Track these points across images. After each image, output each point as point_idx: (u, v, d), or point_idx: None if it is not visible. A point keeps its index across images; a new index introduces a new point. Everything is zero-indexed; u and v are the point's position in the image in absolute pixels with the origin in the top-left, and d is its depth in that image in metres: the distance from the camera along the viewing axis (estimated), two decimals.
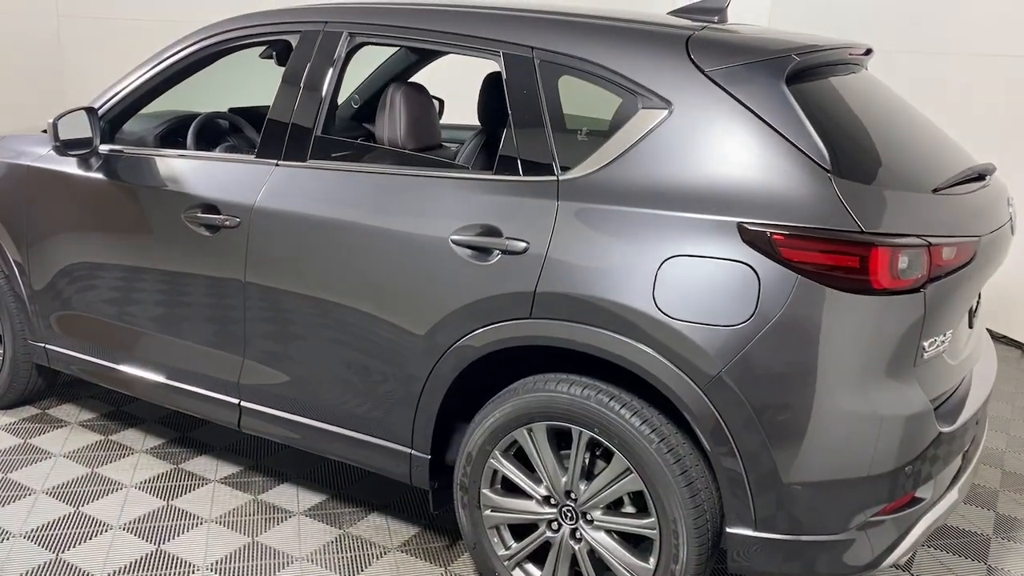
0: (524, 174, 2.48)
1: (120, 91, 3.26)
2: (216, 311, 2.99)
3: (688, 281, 2.19)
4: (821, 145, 2.17)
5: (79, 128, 3.15)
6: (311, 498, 3.29)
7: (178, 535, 3.01)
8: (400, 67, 4.32)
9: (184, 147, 3.53)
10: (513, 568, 2.61)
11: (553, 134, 2.46)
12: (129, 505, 3.18)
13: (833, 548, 2.22)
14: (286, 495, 3.30)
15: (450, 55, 3.13)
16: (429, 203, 2.59)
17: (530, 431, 2.48)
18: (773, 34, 2.56)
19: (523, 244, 2.38)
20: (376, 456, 2.79)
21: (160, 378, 3.21)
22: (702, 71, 2.32)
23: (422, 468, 2.70)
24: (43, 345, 3.55)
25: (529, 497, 2.54)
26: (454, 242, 2.49)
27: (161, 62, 3.18)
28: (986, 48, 5.18)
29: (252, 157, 2.95)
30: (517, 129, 2.51)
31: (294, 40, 2.94)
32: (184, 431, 3.78)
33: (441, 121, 4.60)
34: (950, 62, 5.41)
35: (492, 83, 3.68)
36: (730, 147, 2.25)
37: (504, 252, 2.41)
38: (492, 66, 2.68)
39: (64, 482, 3.32)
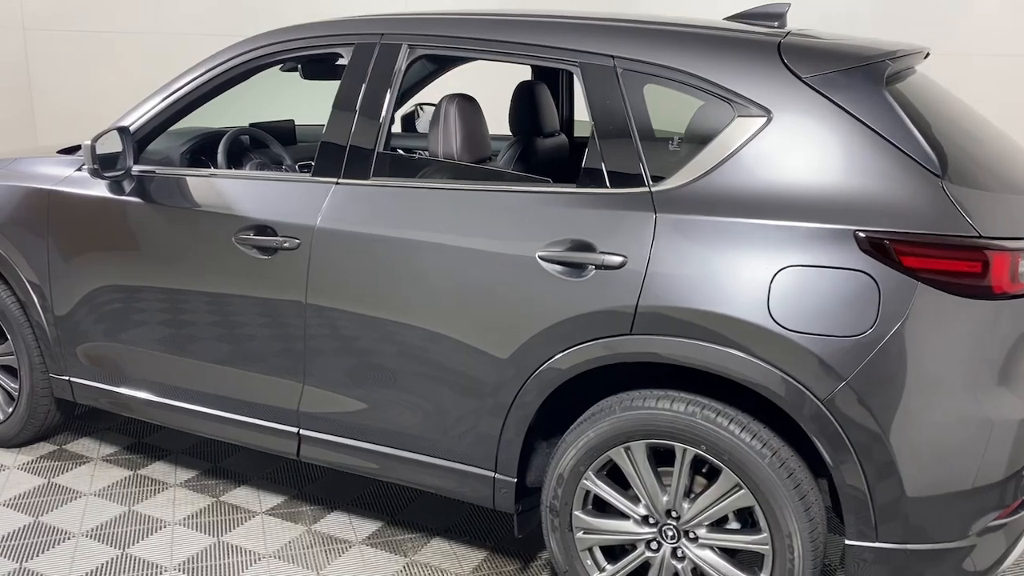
0: (612, 186, 2.41)
1: (152, 108, 3.09)
2: (272, 336, 2.86)
3: (804, 292, 2.14)
4: (929, 150, 2.16)
5: (109, 148, 2.98)
6: (367, 526, 3.17)
7: (237, 574, 2.86)
8: (415, 79, 4.23)
9: (211, 165, 3.39)
10: None
11: (641, 144, 2.40)
12: (178, 544, 3.02)
13: (953, 555, 2.20)
14: (340, 523, 3.17)
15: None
16: (510, 219, 2.51)
17: (628, 450, 2.41)
18: (853, 39, 2.54)
19: (620, 258, 2.32)
20: (454, 481, 2.69)
21: (206, 408, 3.06)
22: (799, 78, 2.28)
23: (507, 492, 2.62)
24: (67, 378, 3.36)
25: (626, 517, 2.48)
26: (542, 258, 2.41)
27: (198, 76, 3.03)
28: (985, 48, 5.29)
29: (307, 176, 2.83)
30: (602, 140, 2.44)
31: (346, 53, 2.83)
32: (215, 461, 3.61)
33: None
34: (954, 61, 5.50)
35: (525, 92, 3.63)
36: (836, 154, 2.21)
37: (599, 267, 2.34)
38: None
39: (102, 523, 3.13)
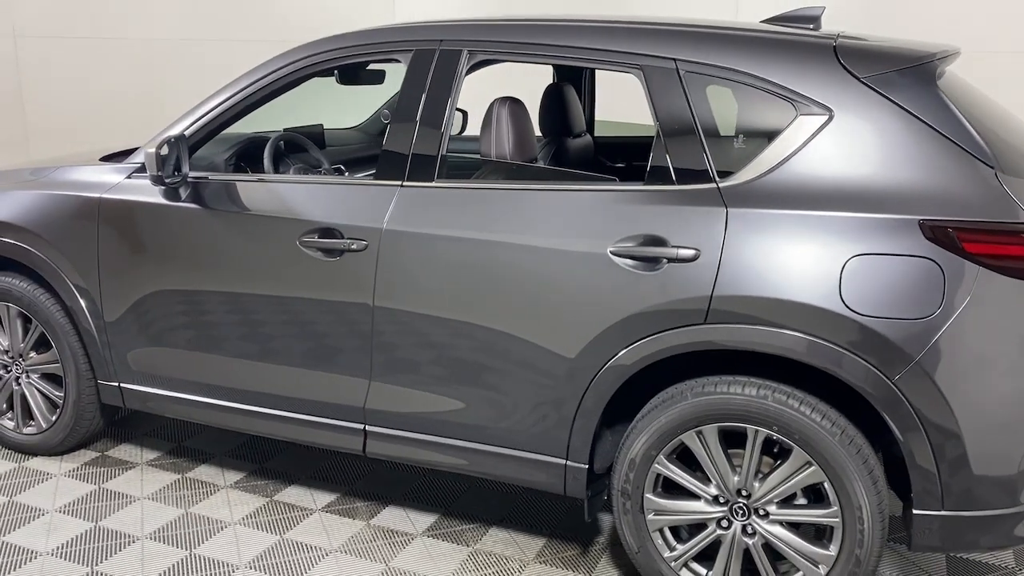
0: (679, 183, 2.54)
1: (205, 115, 3.14)
2: (338, 335, 2.93)
3: (874, 278, 2.29)
4: (983, 143, 2.32)
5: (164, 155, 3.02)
6: (425, 518, 3.25)
7: (308, 569, 2.93)
8: None
9: (248, 169, 3.44)
10: (680, 569, 2.66)
11: (706, 142, 2.53)
12: (243, 543, 3.07)
13: (1008, 520, 2.37)
14: (397, 517, 3.25)
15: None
16: (578, 217, 2.62)
17: (700, 433, 2.54)
18: (897, 40, 2.70)
19: (693, 251, 2.44)
20: (525, 470, 2.79)
21: (268, 409, 3.11)
22: (857, 77, 2.43)
23: (579, 478, 2.73)
24: (116, 384, 3.39)
25: (697, 497, 2.60)
26: (614, 254, 2.53)
27: (251, 84, 3.08)
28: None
29: (370, 179, 2.91)
30: (667, 139, 2.56)
31: (405, 59, 2.91)
32: (260, 462, 3.66)
33: (466, 133, 4.64)
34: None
35: (556, 94, 3.75)
36: (895, 149, 2.36)
37: (672, 260, 2.46)
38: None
39: (163, 525, 3.17)
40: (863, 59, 2.47)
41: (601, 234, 2.56)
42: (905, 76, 2.42)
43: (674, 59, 2.59)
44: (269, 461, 3.68)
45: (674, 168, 2.55)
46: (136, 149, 3.58)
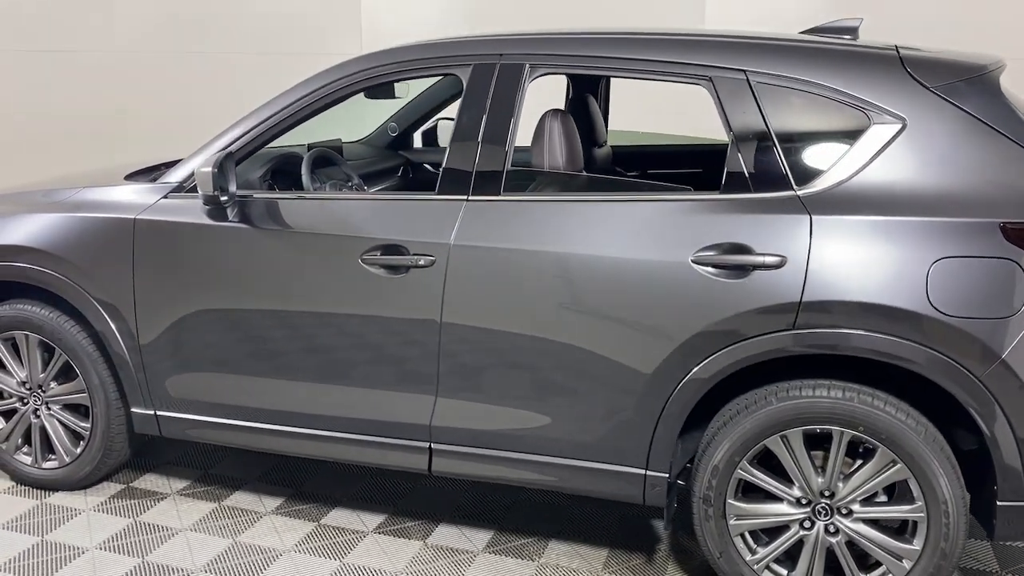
0: (756, 191, 2.58)
1: (249, 131, 3.05)
2: (403, 353, 2.88)
3: (958, 280, 2.38)
4: None
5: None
6: (481, 535, 3.22)
7: None
8: (443, 97, 4.29)
9: (276, 187, 3.36)
10: (762, 571, 2.70)
11: (781, 150, 2.58)
12: (303, 571, 2.99)
13: None
14: (452, 535, 3.21)
15: None
16: (656, 226, 2.64)
17: (784, 438, 2.59)
18: (952, 51, 2.80)
19: (779, 258, 2.49)
20: (602, 481, 2.80)
21: (324, 431, 3.04)
22: (927, 87, 2.52)
23: (659, 487, 2.74)
24: (152, 412, 3.25)
25: (779, 500, 2.65)
26: (695, 262, 2.56)
27: (302, 97, 3.01)
28: None
29: (432, 194, 2.87)
30: (742, 148, 2.61)
31: (463, 74, 2.88)
32: (296, 486, 3.57)
33: None
34: None
35: (582, 105, 3.78)
36: (970, 155, 2.46)
37: (759, 268, 2.51)
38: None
39: (215, 557, 3.06)
40: (930, 69, 2.56)
41: (681, 243, 2.59)
42: (972, 85, 2.52)
43: (744, 70, 2.64)
44: (305, 484, 3.58)
45: (751, 177, 2.59)
46: (160, 167, 3.47)
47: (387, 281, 2.85)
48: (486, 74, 2.86)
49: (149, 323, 3.13)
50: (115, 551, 3.09)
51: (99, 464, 3.40)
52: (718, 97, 2.65)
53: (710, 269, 2.55)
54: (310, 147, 3.76)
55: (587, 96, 3.84)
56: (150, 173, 3.46)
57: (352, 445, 3.03)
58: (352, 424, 3.01)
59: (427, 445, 2.94)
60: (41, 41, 6.60)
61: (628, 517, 3.32)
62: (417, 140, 4.58)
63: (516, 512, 3.37)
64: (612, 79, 3.97)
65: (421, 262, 2.80)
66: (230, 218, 3.00)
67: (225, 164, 2.92)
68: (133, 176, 3.43)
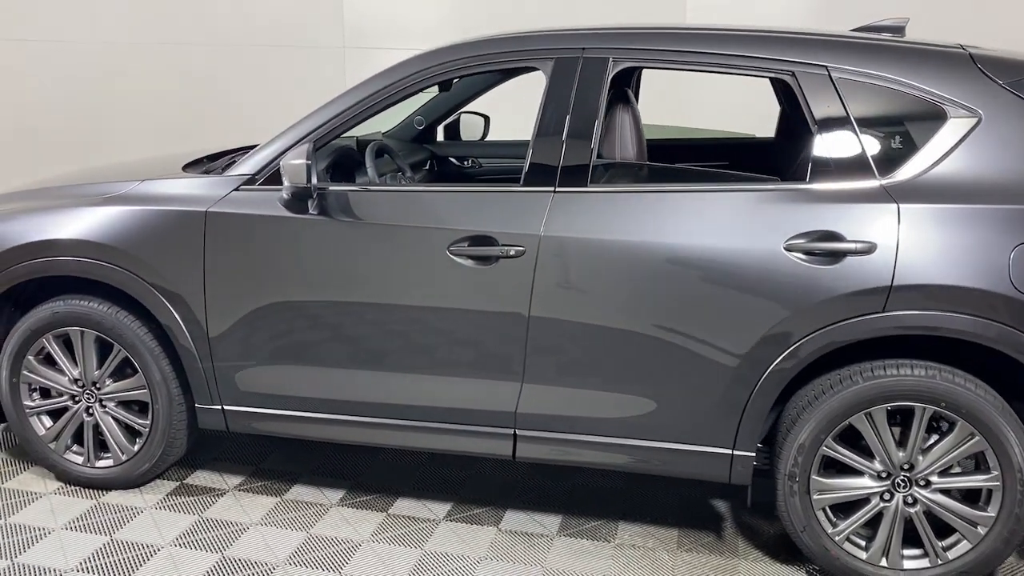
0: (841, 180, 2.71)
1: (326, 123, 3.04)
2: (489, 341, 2.93)
3: None
4: None
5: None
6: (551, 519, 3.29)
7: None
8: (470, 92, 4.33)
9: (346, 177, 3.37)
10: (844, 543, 2.84)
11: (864, 142, 2.72)
12: (390, 560, 3.01)
13: None
14: (525, 520, 3.28)
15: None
16: (746, 215, 2.75)
17: (868, 415, 2.73)
18: (1012, 51, 2.97)
19: (870, 245, 2.62)
20: (688, 462, 2.90)
21: (404, 420, 3.06)
22: (998, 83, 2.69)
23: (746, 466, 2.86)
24: (219, 407, 3.22)
25: (860, 474, 2.80)
26: (788, 250, 2.68)
27: (379, 90, 3.01)
28: None
29: (518, 186, 2.92)
30: (827, 139, 2.73)
31: (545, 67, 2.94)
32: (354, 478, 3.58)
33: (489, 137, 4.68)
34: None
35: (624, 98, 3.85)
36: None
37: (851, 254, 2.64)
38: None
39: (295, 549, 3.06)
40: (999, 67, 2.73)
41: (773, 231, 2.70)
42: None
43: (826, 66, 2.77)
44: (363, 475, 3.59)
45: (836, 167, 2.72)
46: (221, 155, 3.44)
47: (475, 271, 2.89)
48: (569, 68, 2.92)
49: (220, 316, 3.11)
50: (191, 547, 3.06)
51: (158, 461, 3.35)
52: (801, 91, 2.77)
53: (802, 256, 2.67)
54: (358, 141, 3.76)
55: (626, 90, 3.93)
56: (205, 164, 3.42)
57: (434, 434, 3.06)
58: (435, 413, 3.04)
59: (511, 431, 3.00)
60: (16, 30, 6.37)
61: (687, 497, 3.44)
62: (440, 134, 4.60)
63: (578, 496, 3.45)
64: (682, 73, 4.06)
65: (511, 252, 2.85)
66: (310, 210, 2.99)
67: (313, 156, 2.91)
68: (190, 167, 3.38)
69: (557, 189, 2.88)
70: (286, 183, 2.91)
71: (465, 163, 4.58)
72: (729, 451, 2.86)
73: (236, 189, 3.09)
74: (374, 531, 3.19)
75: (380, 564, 2.99)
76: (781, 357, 2.73)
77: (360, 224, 2.99)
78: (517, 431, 3.00)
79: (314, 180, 2.93)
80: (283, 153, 3.03)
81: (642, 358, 2.84)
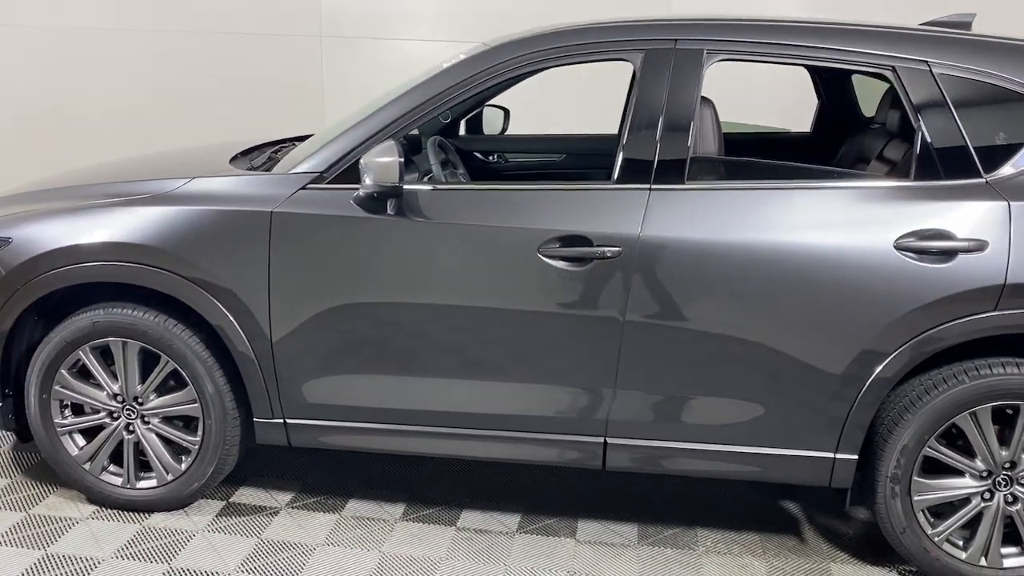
0: (947, 178, 2.67)
1: (400, 118, 2.86)
2: (583, 347, 2.79)
3: None
4: None
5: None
6: (627, 529, 3.18)
7: None
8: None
9: (418, 172, 3.20)
10: (943, 543, 2.81)
11: (968, 138, 2.68)
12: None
13: None
14: (602, 531, 3.16)
15: None
16: (855, 213, 2.68)
17: (973, 414, 2.70)
18: None
19: (981, 241, 2.59)
20: (789, 467, 2.83)
21: (488, 431, 2.91)
22: None
23: (847, 469, 2.80)
24: (280, 421, 3.01)
25: (961, 474, 2.77)
26: (899, 248, 2.62)
27: (458, 83, 2.84)
28: None
29: (610, 183, 2.79)
30: (932, 135, 2.68)
31: (635, 59, 2.82)
32: (409, 490, 3.40)
33: (509, 131, 4.54)
34: None
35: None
36: None
37: (964, 252, 2.60)
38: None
39: (372, 569, 2.88)
40: None
41: (882, 229, 2.65)
42: None
43: (927, 61, 2.72)
44: (417, 487, 3.42)
45: (941, 164, 2.68)
46: (262, 148, 3.22)
47: (567, 273, 2.75)
48: (661, 60, 2.80)
49: (286, 322, 2.89)
50: (259, 572, 2.85)
51: (208, 480, 3.11)
52: (903, 86, 2.72)
53: (912, 255, 2.62)
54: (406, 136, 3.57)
55: None
56: (250, 156, 3.21)
57: (519, 444, 2.92)
58: (520, 422, 2.90)
59: (602, 440, 2.88)
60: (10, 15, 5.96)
61: (755, 502, 3.37)
62: (461, 128, 4.44)
63: (648, 503, 3.35)
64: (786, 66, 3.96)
65: (608, 253, 2.72)
66: (389, 210, 2.81)
67: (402, 153, 2.73)
68: (235, 160, 3.17)
69: (653, 186, 2.76)
70: (369, 181, 2.71)
71: (490, 158, 4.43)
72: (832, 455, 2.80)
73: (303, 188, 2.88)
74: (449, 548, 3.03)
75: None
76: (891, 357, 2.67)
77: (442, 224, 2.82)
78: (608, 439, 2.88)
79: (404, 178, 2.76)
80: (355, 150, 2.85)
81: (748, 362, 2.75)
